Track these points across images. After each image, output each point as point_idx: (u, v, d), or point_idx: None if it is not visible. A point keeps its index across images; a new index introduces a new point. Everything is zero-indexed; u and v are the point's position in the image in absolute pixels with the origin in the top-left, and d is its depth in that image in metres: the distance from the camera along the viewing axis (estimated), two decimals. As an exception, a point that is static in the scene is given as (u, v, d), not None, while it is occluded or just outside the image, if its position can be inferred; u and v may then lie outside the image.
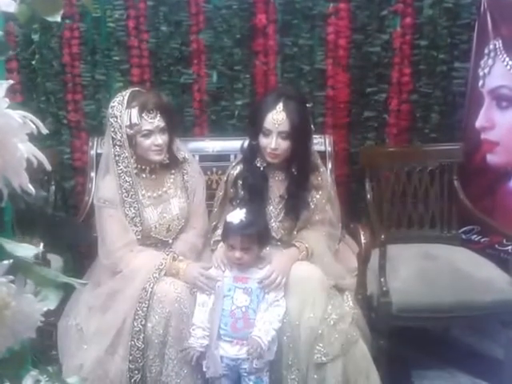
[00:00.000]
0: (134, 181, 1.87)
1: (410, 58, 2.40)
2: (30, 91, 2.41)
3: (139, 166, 1.90)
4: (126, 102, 1.82)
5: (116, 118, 1.82)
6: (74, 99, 2.44)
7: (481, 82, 2.35)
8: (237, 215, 1.74)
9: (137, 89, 1.92)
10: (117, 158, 1.85)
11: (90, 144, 2.29)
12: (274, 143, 1.86)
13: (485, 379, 2.16)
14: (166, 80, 2.42)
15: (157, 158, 1.87)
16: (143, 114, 1.81)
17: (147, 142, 1.83)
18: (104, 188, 1.89)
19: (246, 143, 1.99)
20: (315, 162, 2.01)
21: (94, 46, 2.40)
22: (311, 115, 2.06)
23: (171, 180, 1.97)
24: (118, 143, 1.84)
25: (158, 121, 1.83)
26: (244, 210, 1.75)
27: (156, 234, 1.91)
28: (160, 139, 1.84)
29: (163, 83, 2.42)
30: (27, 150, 0.62)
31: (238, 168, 2.00)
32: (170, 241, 1.94)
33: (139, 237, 1.88)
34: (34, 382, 0.64)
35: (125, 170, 1.85)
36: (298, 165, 1.94)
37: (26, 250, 0.66)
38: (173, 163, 1.96)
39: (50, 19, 0.69)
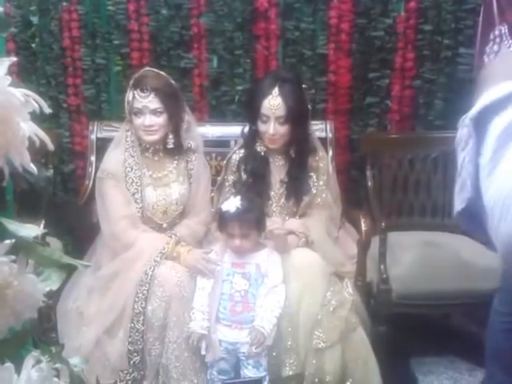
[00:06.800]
0: (138, 157, 1.90)
1: (414, 43, 2.38)
2: (28, 73, 2.40)
3: (142, 144, 1.92)
4: (133, 80, 1.88)
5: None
6: (73, 83, 2.42)
7: (486, 69, 2.31)
8: (232, 203, 1.74)
9: (148, 69, 1.96)
10: (127, 132, 1.92)
11: (90, 128, 2.27)
12: (272, 129, 1.86)
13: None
14: (166, 64, 2.40)
15: (147, 138, 1.89)
16: (135, 92, 1.84)
17: (138, 120, 1.86)
18: (110, 161, 1.92)
19: (247, 128, 1.99)
20: (313, 145, 2.01)
21: (94, 30, 2.38)
22: (309, 97, 2.06)
23: (174, 165, 1.97)
24: (128, 119, 1.90)
25: (149, 101, 1.84)
26: (239, 197, 1.76)
27: (151, 215, 1.92)
28: (150, 120, 1.85)
29: (163, 67, 2.38)
30: (29, 128, 0.62)
31: (240, 153, 2.00)
32: (165, 225, 1.94)
33: (139, 214, 1.89)
34: (36, 362, 0.64)
35: (132, 144, 1.90)
36: (297, 147, 1.94)
37: (29, 230, 0.65)
38: (177, 149, 1.96)
39: None
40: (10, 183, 0.66)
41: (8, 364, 0.62)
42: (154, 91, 1.83)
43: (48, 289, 0.65)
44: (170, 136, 1.91)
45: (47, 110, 0.63)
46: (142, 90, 1.83)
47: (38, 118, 0.64)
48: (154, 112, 1.85)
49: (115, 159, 1.91)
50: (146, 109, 1.84)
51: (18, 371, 0.62)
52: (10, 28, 0.73)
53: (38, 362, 0.64)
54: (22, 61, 2.38)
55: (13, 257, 0.62)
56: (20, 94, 0.60)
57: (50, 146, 0.64)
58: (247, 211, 1.73)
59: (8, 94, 0.59)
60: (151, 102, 1.83)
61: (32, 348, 0.67)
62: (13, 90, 0.60)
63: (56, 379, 0.64)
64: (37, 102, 0.62)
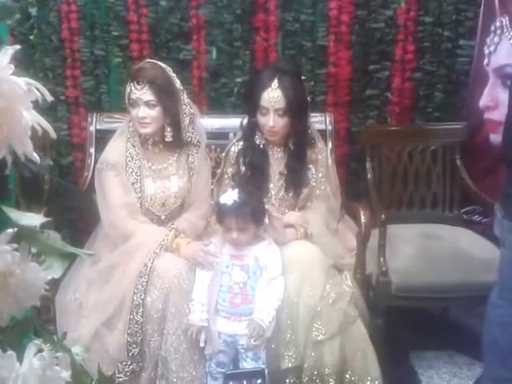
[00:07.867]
0: (139, 148, 1.91)
1: (414, 35, 2.37)
2: (26, 66, 2.38)
3: (142, 135, 1.93)
4: (133, 71, 1.90)
5: None
6: (72, 75, 2.40)
7: (486, 60, 2.30)
8: (230, 196, 1.73)
9: (148, 61, 1.96)
10: (129, 123, 1.93)
11: (90, 120, 2.26)
12: (271, 121, 1.86)
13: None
14: (165, 56, 2.38)
15: (142, 130, 1.89)
16: (132, 84, 1.85)
17: (133, 112, 1.87)
18: (110, 151, 1.93)
19: (246, 120, 1.99)
20: (313, 137, 2.01)
21: (93, 21, 2.36)
22: (308, 89, 2.06)
23: (174, 158, 1.97)
24: (128, 110, 1.91)
25: (143, 93, 1.84)
26: (236, 190, 1.75)
27: (150, 206, 1.92)
28: (144, 112, 1.85)
29: (162, 59, 2.37)
30: (32, 117, 0.61)
31: (239, 145, 2.00)
32: (163, 217, 1.94)
33: (139, 204, 1.89)
34: (37, 350, 0.64)
35: (133, 135, 1.92)
36: (296, 140, 1.94)
37: (31, 218, 0.66)
38: (176, 143, 1.95)
39: None
40: (12, 172, 0.67)
41: (10, 352, 0.62)
42: (148, 83, 1.83)
43: (50, 277, 0.66)
44: (168, 129, 1.91)
45: (49, 99, 0.63)
46: (138, 82, 1.84)
47: (37, 109, 0.63)
48: (148, 104, 1.84)
49: (116, 150, 1.92)
50: (140, 101, 1.84)
51: (20, 359, 0.62)
52: (16, 14, 0.74)
53: (40, 350, 0.64)
54: (19, 53, 2.36)
55: (15, 245, 0.62)
56: (23, 82, 0.60)
57: (53, 135, 0.64)
58: (244, 204, 1.72)
59: (11, 82, 0.59)
60: (145, 94, 1.83)
61: (33, 336, 0.67)
62: (16, 78, 0.59)
63: (57, 367, 0.64)
64: (39, 91, 0.62)
